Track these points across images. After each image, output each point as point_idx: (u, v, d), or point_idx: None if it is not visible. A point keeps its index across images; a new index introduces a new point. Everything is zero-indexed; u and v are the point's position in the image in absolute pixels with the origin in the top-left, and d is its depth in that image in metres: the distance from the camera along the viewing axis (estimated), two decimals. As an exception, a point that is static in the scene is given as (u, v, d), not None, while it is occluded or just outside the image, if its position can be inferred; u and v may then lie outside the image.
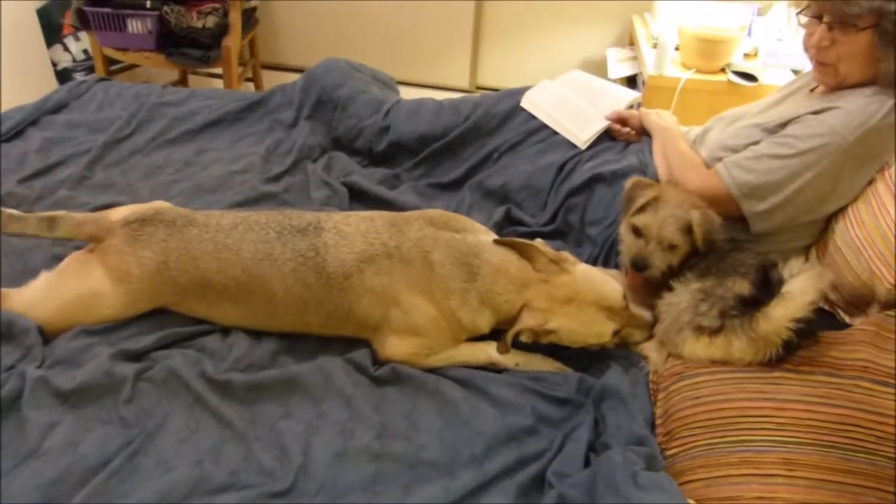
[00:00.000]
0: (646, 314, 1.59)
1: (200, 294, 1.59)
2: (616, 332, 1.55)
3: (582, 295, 1.52)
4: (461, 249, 1.56)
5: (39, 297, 1.57)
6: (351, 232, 1.58)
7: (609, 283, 1.56)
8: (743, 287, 1.47)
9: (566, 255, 1.60)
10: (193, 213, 1.65)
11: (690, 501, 1.19)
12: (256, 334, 1.59)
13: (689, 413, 1.36)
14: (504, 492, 1.29)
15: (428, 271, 1.54)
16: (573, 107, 2.15)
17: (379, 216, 1.64)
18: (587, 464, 1.33)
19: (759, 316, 1.38)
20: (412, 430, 1.39)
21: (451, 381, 1.50)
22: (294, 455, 1.32)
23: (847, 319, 1.61)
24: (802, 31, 1.73)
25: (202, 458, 1.31)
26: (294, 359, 1.55)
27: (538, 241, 1.61)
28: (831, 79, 1.66)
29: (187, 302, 1.61)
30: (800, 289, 1.36)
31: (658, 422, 1.42)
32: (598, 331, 1.53)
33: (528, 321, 1.50)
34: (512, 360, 1.57)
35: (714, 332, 1.44)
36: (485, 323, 1.57)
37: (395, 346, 1.55)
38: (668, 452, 1.35)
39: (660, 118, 2.01)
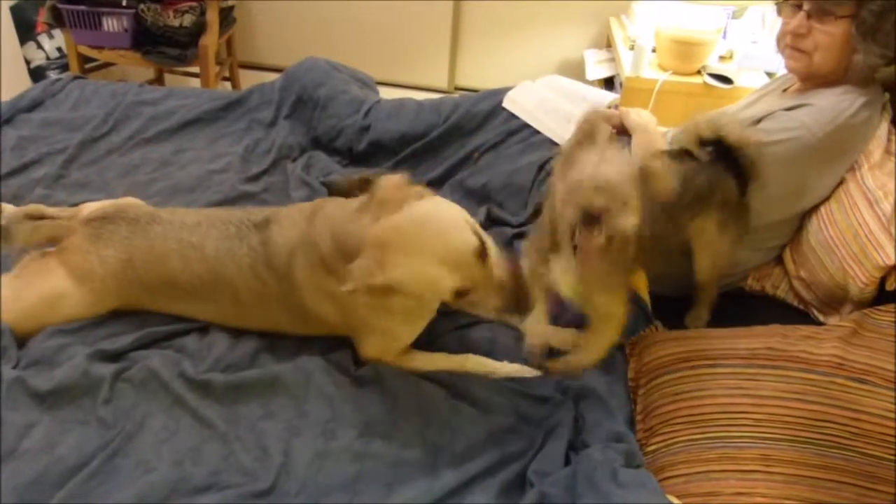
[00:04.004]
0: (501, 271, 1.32)
1: (168, 293, 1.58)
2: (461, 293, 1.31)
3: (418, 239, 1.29)
4: (335, 222, 1.45)
5: (3, 300, 1.55)
6: (287, 223, 1.54)
7: (458, 230, 1.30)
8: None
9: (418, 188, 1.38)
10: (157, 211, 1.64)
11: (671, 497, 1.20)
12: (236, 334, 1.58)
13: (669, 409, 1.37)
14: (486, 491, 1.29)
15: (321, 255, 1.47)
16: (555, 106, 2.16)
17: (309, 205, 1.58)
18: (567, 462, 1.33)
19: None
20: (393, 430, 1.39)
21: (431, 381, 1.50)
22: (275, 455, 1.31)
23: (822, 318, 1.64)
24: (776, 33, 1.75)
25: (182, 459, 1.30)
26: (274, 359, 1.54)
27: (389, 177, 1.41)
28: (804, 66, 1.67)
29: (157, 300, 1.60)
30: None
31: (638, 418, 1.43)
32: (434, 286, 1.30)
33: (356, 276, 1.29)
34: (490, 367, 1.54)
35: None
36: None
37: (368, 345, 1.53)
38: (649, 449, 1.36)
39: (639, 117, 2.02)
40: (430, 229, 1.30)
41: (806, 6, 1.61)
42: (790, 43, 1.67)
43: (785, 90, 1.81)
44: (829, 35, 1.59)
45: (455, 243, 1.29)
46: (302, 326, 1.57)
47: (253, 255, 1.53)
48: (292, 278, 1.51)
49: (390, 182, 1.36)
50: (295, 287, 1.51)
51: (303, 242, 1.49)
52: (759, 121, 1.68)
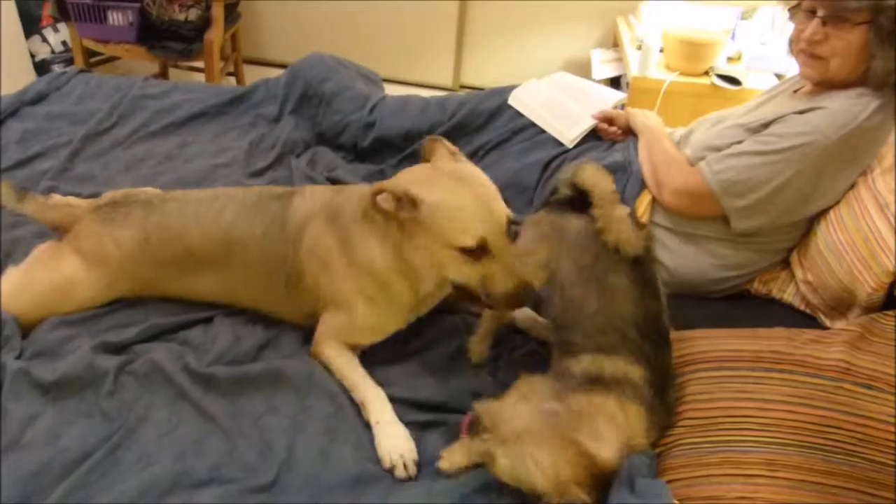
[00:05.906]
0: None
1: (182, 266, 1.58)
2: (474, 251, 1.31)
3: (461, 184, 1.34)
4: (353, 197, 1.52)
5: (9, 291, 1.54)
6: (310, 195, 1.59)
7: (498, 197, 1.34)
8: None
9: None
10: (168, 192, 1.65)
11: (674, 501, 1.20)
12: (240, 328, 1.58)
13: (673, 412, 1.37)
14: (487, 496, 1.27)
15: (341, 228, 1.51)
16: (561, 106, 2.16)
17: (342, 187, 1.64)
18: None
19: None
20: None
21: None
22: (278, 450, 1.31)
23: (828, 323, 1.62)
24: (786, 35, 1.74)
25: (184, 452, 1.30)
26: (278, 353, 1.54)
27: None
28: (820, 73, 1.65)
29: (168, 278, 1.60)
30: None
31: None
32: (462, 226, 1.30)
33: (390, 184, 1.37)
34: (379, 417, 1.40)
35: None
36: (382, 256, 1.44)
37: (329, 322, 1.52)
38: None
39: (646, 118, 2.02)
40: (477, 181, 1.35)
41: (821, 12, 1.59)
42: (805, 49, 1.65)
43: (795, 91, 1.80)
44: (846, 41, 1.57)
45: (494, 201, 1.33)
46: (297, 300, 1.57)
47: (269, 219, 1.56)
48: (299, 243, 1.53)
49: (440, 145, 1.43)
50: (298, 252, 1.53)
51: (324, 208, 1.53)
52: (768, 124, 1.68)
